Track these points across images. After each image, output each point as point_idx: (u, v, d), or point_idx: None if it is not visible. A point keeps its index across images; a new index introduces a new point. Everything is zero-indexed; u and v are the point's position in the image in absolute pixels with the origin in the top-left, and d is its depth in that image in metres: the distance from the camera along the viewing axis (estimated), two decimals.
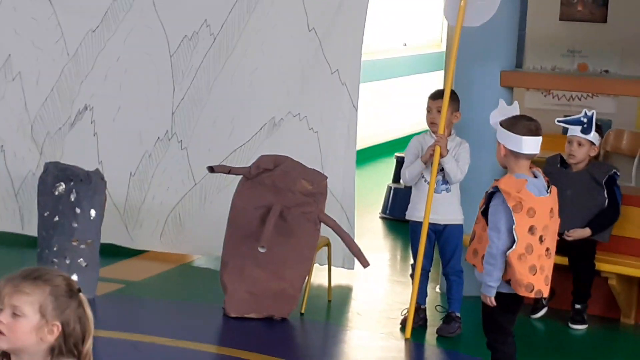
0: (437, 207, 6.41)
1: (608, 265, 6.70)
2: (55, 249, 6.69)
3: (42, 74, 7.93)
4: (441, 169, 6.40)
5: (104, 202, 6.87)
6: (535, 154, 5.19)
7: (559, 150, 6.92)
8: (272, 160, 6.75)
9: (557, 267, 5.43)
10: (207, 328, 6.52)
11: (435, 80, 12.85)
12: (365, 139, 11.25)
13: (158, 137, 7.78)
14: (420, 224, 6.45)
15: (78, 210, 6.73)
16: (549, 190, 5.18)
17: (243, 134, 7.64)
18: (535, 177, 5.19)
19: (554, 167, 6.86)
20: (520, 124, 5.17)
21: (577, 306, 6.78)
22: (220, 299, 6.71)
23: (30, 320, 2.90)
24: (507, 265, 5.07)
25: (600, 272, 6.72)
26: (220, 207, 7.29)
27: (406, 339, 6.38)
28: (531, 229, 5.07)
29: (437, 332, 6.49)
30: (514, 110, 5.36)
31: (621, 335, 6.77)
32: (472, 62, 7.11)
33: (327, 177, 6.78)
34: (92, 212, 6.74)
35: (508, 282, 5.12)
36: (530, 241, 5.06)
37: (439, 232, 6.52)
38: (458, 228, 6.52)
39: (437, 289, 7.28)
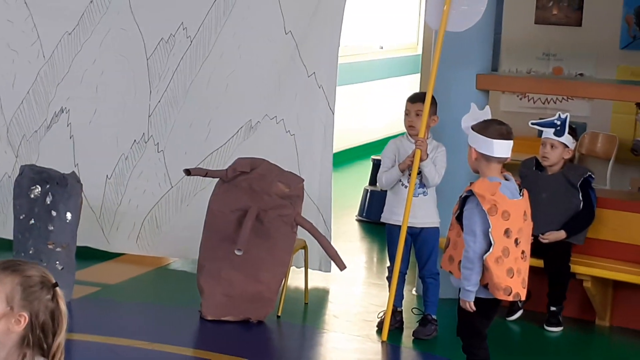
0: (415, 211, 6.43)
1: (583, 268, 6.74)
2: (31, 252, 6.67)
3: (18, 77, 7.91)
4: (419, 173, 6.42)
5: (80, 205, 6.86)
6: (506, 158, 5.21)
7: (535, 153, 6.96)
8: (248, 163, 6.75)
9: (532, 270, 5.46)
10: (183, 331, 6.52)
11: (412, 84, 12.88)
12: (342, 141, 11.26)
13: (134, 140, 7.77)
14: (396, 227, 6.47)
15: (54, 213, 6.72)
16: (521, 193, 5.20)
17: (220, 136, 7.64)
18: (507, 180, 5.22)
19: (529, 170, 6.89)
20: (491, 128, 5.19)
21: (553, 308, 6.82)
22: (197, 302, 6.71)
23: None
24: (484, 269, 5.09)
25: (575, 275, 6.75)
26: (196, 210, 7.29)
27: (383, 342, 6.40)
28: (507, 232, 5.09)
29: (413, 335, 6.51)
30: (486, 114, 5.38)
31: (596, 337, 6.81)
32: (448, 65, 7.13)
33: (303, 180, 6.79)
34: (68, 215, 6.73)
35: (485, 286, 5.13)
36: (506, 244, 5.08)
37: (415, 235, 6.55)
38: (434, 231, 6.55)
39: (414, 292, 7.31)
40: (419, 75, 12.26)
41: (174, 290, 7.30)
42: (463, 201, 5.15)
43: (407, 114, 6.54)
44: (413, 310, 6.79)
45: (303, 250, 7.12)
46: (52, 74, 7.88)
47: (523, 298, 5.27)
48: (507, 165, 5.37)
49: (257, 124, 7.58)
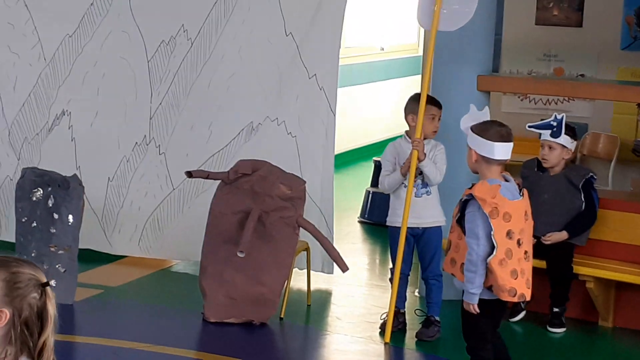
0: (419, 211, 6.43)
1: (585, 269, 6.73)
2: (33, 254, 6.67)
3: (19, 80, 7.91)
4: (420, 173, 6.42)
5: (82, 207, 6.86)
6: (506, 160, 5.21)
7: (537, 154, 6.96)
8: (250, 165, 6.75)
9: (535, 271, 5.45)
10: (186, 333, 6.52)
11: (413, 85, 12.88)
12: (343, 143, 11.26)
13: (136, 142, 7.77)
14: (398, 228, 6.47)
15: (56, 216, 6.72)
16: (521, 193, 5.20)
17: (221, 138, 7.64)
18: (507, 181, 5.21)
19: (531, 171, 6.89)
20: (491, 130, 5.18)
21: (555, 309, 6.81)
22: (199, 304, 6.70)
23: None
24: (488, 271, 5.09)
25: (578, 276, 6.75)
26: (198, 212, 7.29)
27: (385, 343, 6.40)
28: (509, 234, 5.08)
29: (416, 336, 6.51)
30: (485, 115, 5.37)
31: (599, 338, 6.80)
32: (448, 66, 7.14)
33: (305, 182, 6.79)
34: (70, 218, 6.73)
35: (489, 288, 5.13)
36: (509, 246, 5.08)
37: (417, 236, 6.54)
38: (437, 231, 6.54)
39: (416, 293, 7.30)
40: (420, 76, 12.26)
41: (177, 293, 7.30)
42: (463, 204, 5.15)
43: (408, 114, 6.52)
44: (416, 311, 6.79)
45: (305, 252, 7.12)
46: (53, 77, 7.89)
47: (528, 298, 5.26)
48: (508, 167, 5.37)
49: (259, 125, 7.58)
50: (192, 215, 7.58)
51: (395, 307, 6.58)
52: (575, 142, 6.90)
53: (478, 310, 5.14)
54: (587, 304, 6.90)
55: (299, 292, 7.22)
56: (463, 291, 5.20)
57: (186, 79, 7.69)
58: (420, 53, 13.20)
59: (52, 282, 6.51)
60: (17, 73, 7.91)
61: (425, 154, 6.36)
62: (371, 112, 13.18)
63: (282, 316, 6.75)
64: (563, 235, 6.73)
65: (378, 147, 12.47)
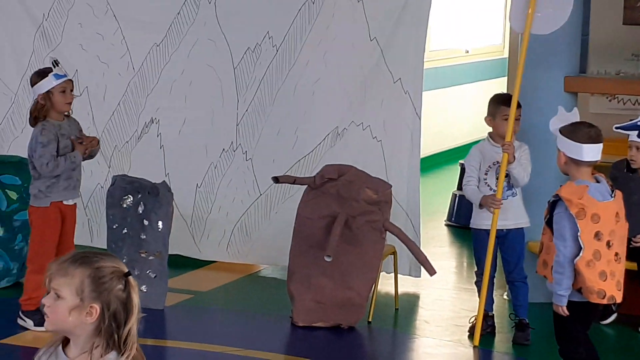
0: (504, 213, 6.40)
1: None
2: (124, 260, 6.77)
3: (109, 89, 8.05)
4: (506, 175, 6.39)
5: (172, 213, 6.95)
6: (596, 161, 5.16)
7: (626, 155, 6.86)
8: (336, 170, 6.78)
9: (626, 273, 5.38)
10: (275, 337, 6.56)
11: (498, 87, 12.78)
12: (429, 146, 11.23)
13: (223, 149, 7.86)
14: (482, 231, 6.44)
15: (146, 222, 6.82)
16: (613, 195, 5.14)
17: (307, 144, 7.68)
18: (598, 182, 5.16)
19: (620, 172, 6.79)
20: (580, 132, 5.14)
21: None
22: (287, 309, 6.75)
23: (67, 302, 2.92)
24: (576, 273, 5.05)
25: None
26: (285, 217, 7.33)
27: (475, 347, 6.36)
28: (597, 235, 5.03)
29: (513, 341, 6.44)
30: (574, 117, 5.32)
31: None
32: (536, 67, 7.08)
33: (391, 186, 6.80)
34: (160, 224, 6.82)
35: (579, 290, 5.09)
36: (597, 247, 5.03)
37: (502, 238, 6.49)
38: (521, 232, 6.49)
39: (505, 296, 7.25)
40: (505, 78, 12.17)
41: (265, 297, 7.36)
42: (552, 206, 5.11)
43: (506, 119, 6.45)
44: (510, 316, 6.70)
45: (392, 256, 7.12)
46: (141, 85, 8.01)
47: (619, 300, 5.20)
48: (597, 168, 5.31)
49: (344, 130, 7.61)
50: (279, 220, 7.63)
51: (484, 310, 6.55)
52: None
53: (567, 313, 5.09)
54: None
55: (386, 295, 7.22)
56: (553, 294, 5.16)
57: (272, 85, 7.75)
58: (506, 55, 13.10)
59: (144, 288, 6.61)
60: (106, 82, 8.05)
61: (515, 157, 6.32)
62: (457, 115, 13.12)
63: (370, 320, 6.76)
64: None
65: (464, 150, 12.35)
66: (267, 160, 7.73)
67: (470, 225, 6.59)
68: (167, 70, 7.92)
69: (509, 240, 6.48)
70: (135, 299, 2.97)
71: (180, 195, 7.53)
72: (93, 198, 8.10)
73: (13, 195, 7.27)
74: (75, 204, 6.55)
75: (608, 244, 5.07)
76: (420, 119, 7.47)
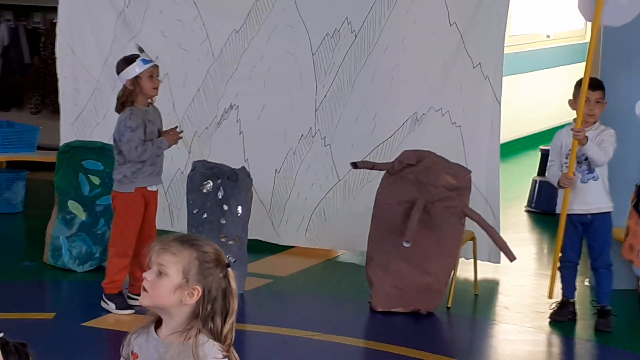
0: (586, 197, 6.33)
1: None
2: None
3: (189, 75, 8.12)
4: (585, 159, 6.32)
5: (251, 199, 6.99)
6: None
7: None
8: (415, 156, 6.76)
9: None
10: (354, 322, 6.58)
11: (580, 72, 12.62)
12: (509, 132, 11.13)
13: (302, 134, 7.88)
14: (567, 216, 6.39)
15: (225, 208, 6.87)
16: None
17: (385, 129, 7.67)
18: None
19: None
20: None
21: None
22: (366, 294, 6.75)
23: (172, 280, 2.95)
24: None
25: None
26: (364, 203, 7.33)
27: (553, 334, 6.29)
28: None
29: (595, 328, 6.37)
30: None
31: None
32: (618, 50, 6.97)
33: (470, 172, 6.76)
34: (239, 209, 6.87)
35: None
36: None
37: (587, 224, 6.42)
38: (606, 218, 6.40)
39: (586, 283, 7.17)
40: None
41: (343, 282, 7.37)
42: (639, 189, 5.03)
43: (586, 101, 6.39)
44: (592, 303, 6.62)
45: (472, 242, 7.08)
46: (221, 72, 8.06)
47: None
48: None
49: (423, 116, 7.58)
50: (358, 205, 7.63)
51: (565, 296, 6.50)
52: None
53: None
54: None
55: (465, 281, 7.18)
56: (639, 278, 5.09)
57: (350, 71, 7.74)
58: (587, 40, 12.93)
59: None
60: (186, 69, 8.12)
61: (587, 138, 6.23)
62: (537, 101, 12.98)
63: (449, 306, 6.74)
64: None
65: (544, 136, 12.25)
66: (346, 145, 7.73)
67: (556, 211, 6.53)
68: (246, 56, 7.96)
69: (594, 226, 6.40)
70: (235, 289, 3.01)
71: (259, 180, 7.57)
72: (174, 183, 8.18)
73: (95, 180, 7.38)
74: (157, 190, 6.62)
75: None
76: (500, 104, 7.41)
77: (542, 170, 9.63)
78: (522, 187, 9.87)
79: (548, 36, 13.44)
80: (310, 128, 7.85)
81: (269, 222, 7.98)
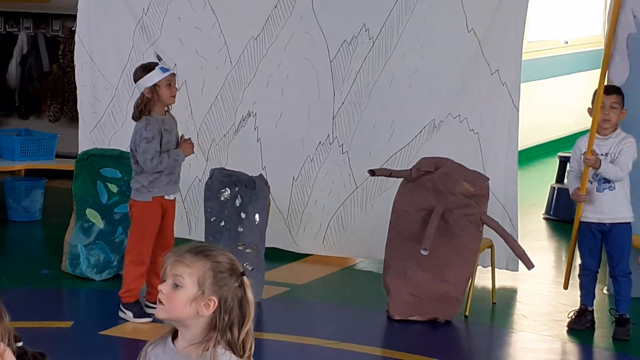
0: (602, 206, 6.31)
1: None
2: None
3: (207, 83, 8.13)
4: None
5: (268, 206, 6.99)
6: None
7: None
8: (432, 163, 6.74)
9: None
10: (371, 330, 6.56)
11: (598, 79, 12.57)
12: (527, 139, 11.10)
13: (319, 142, 7.87)
14: (585, 224, 6.37)
15: (243, 215, 6.87)
16: None
17: (403, 136, 7.65)
18: None
19: None
20: None
21: None
22: (383, 302, 6.74)
23: (187, 291, 2.95)
24: None
25: None
26: (381, 210, 7.32)
27: (572, 342, 6.26)
28: None
29: (613, 337, 6.34)
30: None
31: None
32: (636, 56, 6.94)
33: (488, 179, 6.74)
34: (257, 217, 6.87)
35: None
36: None
37: (605, 232, 6.39)
38: (626, 228, 6.37)
39: (605, 291, 7.14)
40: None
41: (361, 290, 7.36)
42: None
43: (601, 107, 6.36)
44: (610, 311, 6.59)
45: (489, 250, 7.05)
46: (239, 79, 8.07)
47: None
48: None
49: (441, 123, 7.56)
50: (375, 213, 7.62)
51: (583, 304, 6.47)
52: None
53: None
54: None
55: (483, 289, 7.16)
56: None
57: (368, 78, 7.74)
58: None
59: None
60: (204, 76, 8.13)
61: (600, 161, 6.20)
62: (555, 107, 12.94)
63: (466, 314, 6.71)
64: None
65: (563, 143, 12.22)
66: (364, 153, 7.73)
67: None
68: (264, 63, 7.96)
69: (613, 234, 6.37)
70: (251, 298, 3.00)
71: (277, 188, 7.57)
72: (191, 191, 8.19)
73: (113, 188, 7.39)
74: (175, 198, 6.62)
75: None
76: (518, 111, 7.39)
77: (560, 178, 9.60)
78: (540, 194, 9.84)
79: (566, 42, 13.40)
80: (328, 135, 7.84)
81: (287, 230, 7.97)
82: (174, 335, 3.04)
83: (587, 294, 6.50)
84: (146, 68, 6.45)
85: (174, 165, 6.48)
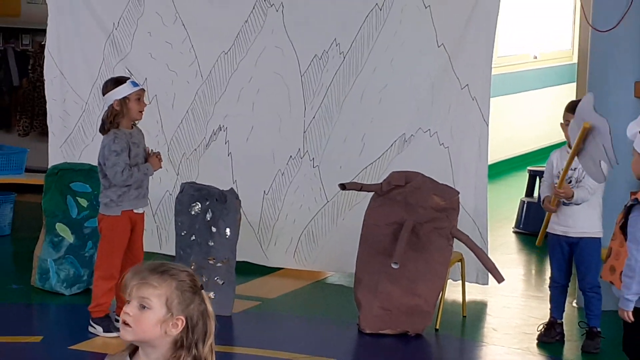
0: (567, 219, 6.36)
1: None
2: (192, 267, 6.82)
3: (177, 97, 8.12)
4: (570, 181, 6.34)
5: (239, 220, 6.99)
6: None
7: None
8: (403, 177, 6.77)
9: None
10: (342, 344, 6.57)
11: (568, 93, 12.67)
12: (497, 153, 11.15)
13: (290, 156, 7.88)
14: (555, 237, 6.41)
15: (214, 229, 6.86)
16: None
17: (374, 151, 7.68)
18: None
19: None
20: None
21: None
22: (354, 315, 6.74)
23: (156, 313, 2.93)
24: None
25: None
26: (352, 224, 7.33)
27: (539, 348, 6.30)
28: None
29: (582, 349, 6.37)
30: None
31: None
32: (605, 73, 7.01)
33: (459, 193, 6.77)
34: (228, 231, 6.86)
35: None
36: None
37: (573, 245, 6.43)
38: (594, 242, 6.41)
39: (574, 304, 7.18)
40: (574, 84, 12.06)
41: (332, 304, 7.36)
42: (628, 210, 5.05)
43: (567, 124, 6.40)
44: (580, 324, 6.63)
45: (459, 263, 7.08)
46: (209, 93, 8.07)
47: None
48: None
49: (411, 137, 7.59)
50: (346, 227, 7.64)
51: (553, 317, 6.51)
52: None
53: (632, 319, 5.02)
54: None
55: (453, 303, 7.18)
56: (620, 298, 5.09)
57: (339, 92, 7.76)
58: (575, 60, 12.99)
59: (211, 294, 6.65)
60: (175, 90, 8.13)
61: (573, 193, 6.24)
62: (525, 122, 13.02)
63: (437, 327, 6.73)
64: None
65: (532, 157, 12.31)
66: (334, 167, 7.75)
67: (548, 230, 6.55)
68: (235, 78, 7.97)
69: (580, 248, 6.41)
70: (211, 310, 3.00)
71: (248, 202, 7.57)
72: (162, 205, 8.17)
73: (83, 202, 7.37)
74: (144, 212, 6.61)
75: None
76: (488, 125, 7.44)
77: (530, 191, 9.66)
78: (510, 208, 9.89)
79: (535, 57, 13.50)
80: (299, 149, 7.86)
81: (258, 244, 7.97)
82: (133, 352, 3.02)
83: (556, 306, 6.54)
84: (116, 82, 6.45)
85: (143, 179, 6.47)
